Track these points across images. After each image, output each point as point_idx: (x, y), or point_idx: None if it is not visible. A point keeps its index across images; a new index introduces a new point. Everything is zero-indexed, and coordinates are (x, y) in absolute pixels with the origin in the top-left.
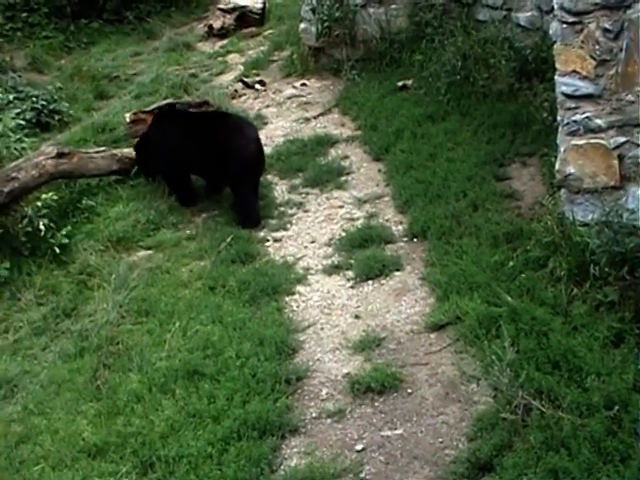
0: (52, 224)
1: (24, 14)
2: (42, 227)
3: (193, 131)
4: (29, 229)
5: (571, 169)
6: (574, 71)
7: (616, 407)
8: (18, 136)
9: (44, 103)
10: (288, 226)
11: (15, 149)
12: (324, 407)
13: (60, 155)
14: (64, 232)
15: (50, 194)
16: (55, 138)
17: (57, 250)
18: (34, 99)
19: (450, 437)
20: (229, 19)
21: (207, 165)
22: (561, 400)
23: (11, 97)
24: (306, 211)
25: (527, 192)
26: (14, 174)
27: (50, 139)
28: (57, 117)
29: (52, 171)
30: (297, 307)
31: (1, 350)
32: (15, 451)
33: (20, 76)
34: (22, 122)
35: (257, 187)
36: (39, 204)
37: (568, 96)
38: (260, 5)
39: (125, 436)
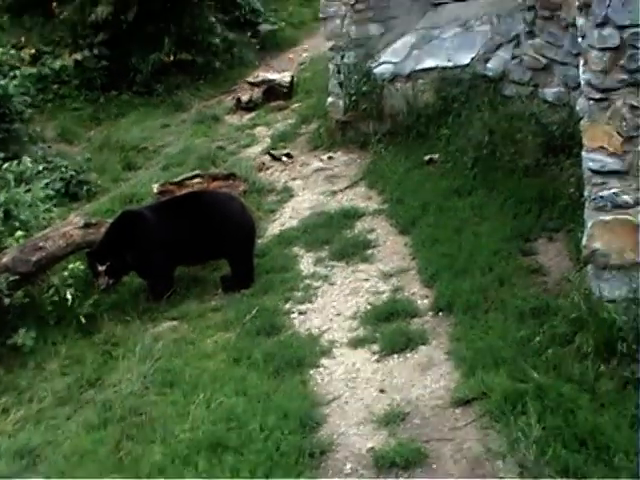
0: (78, 294)
1: (55, 86)
2: (69, 296)
3: (179, 219)
4: (55, 298)
5: (598, 245)
6: (601, 147)
7: None
8: (47, 206)
9: (73, 173)
10: (313, 299)
11: (43, 219)
12: None
13: (87, 225)
14: (90, 302)
15: (77, 264)
16: (83, 208)
17: (83, 320)
18: (63, 169)
19: None
20: (257, 92)
21: (201, 249)
22: (588, 479)
23: (40, 167)
24: (332, 284)
25: (554, 267)
26: (42, 243)
27: (78, 209)
28: (85, 187)
29: (79, 241)
30: (322, 380)
31: (25, 420)
32: None
33: (50, 147)
34: (51, 192)
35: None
36: (66, 274)
37: (595, 172)
38: (288, 79)
39: None
